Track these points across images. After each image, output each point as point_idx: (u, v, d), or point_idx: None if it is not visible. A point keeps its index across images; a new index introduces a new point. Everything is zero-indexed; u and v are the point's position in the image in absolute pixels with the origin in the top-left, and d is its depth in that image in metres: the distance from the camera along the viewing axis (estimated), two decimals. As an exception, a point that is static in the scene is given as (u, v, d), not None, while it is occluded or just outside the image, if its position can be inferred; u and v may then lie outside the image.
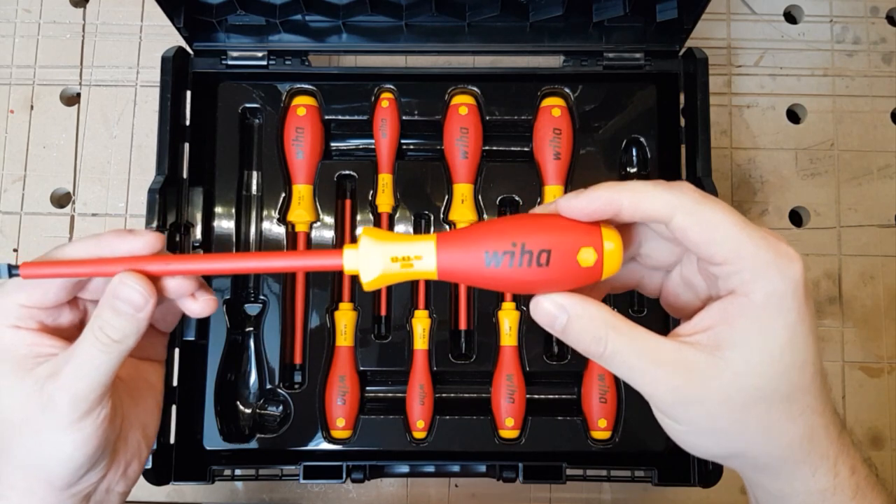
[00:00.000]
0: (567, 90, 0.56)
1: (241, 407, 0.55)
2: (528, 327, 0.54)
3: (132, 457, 0.37)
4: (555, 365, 0.54)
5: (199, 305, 0.35)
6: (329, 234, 0.55)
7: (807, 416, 0.29)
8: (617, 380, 0.53)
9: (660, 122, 0.56)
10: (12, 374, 0.32)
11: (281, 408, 0.54)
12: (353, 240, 0.56)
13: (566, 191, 0.55)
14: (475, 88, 0.56)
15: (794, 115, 0.62)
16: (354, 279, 0.55)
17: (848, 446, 0.31)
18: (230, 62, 0.55)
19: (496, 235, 0.30)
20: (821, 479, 0.30)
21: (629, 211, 0.29)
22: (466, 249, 0.30)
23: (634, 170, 0.56)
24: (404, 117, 0.55)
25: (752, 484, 0.33)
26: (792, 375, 0.28)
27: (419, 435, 0.53)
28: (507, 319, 0.54)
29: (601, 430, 0.53)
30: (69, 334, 0.34)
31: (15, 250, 0.59)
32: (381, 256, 0.31)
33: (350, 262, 0.31)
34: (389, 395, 0.55)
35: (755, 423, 0.29)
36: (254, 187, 0.57)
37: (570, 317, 0.29)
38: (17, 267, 0.31)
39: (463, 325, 0.55)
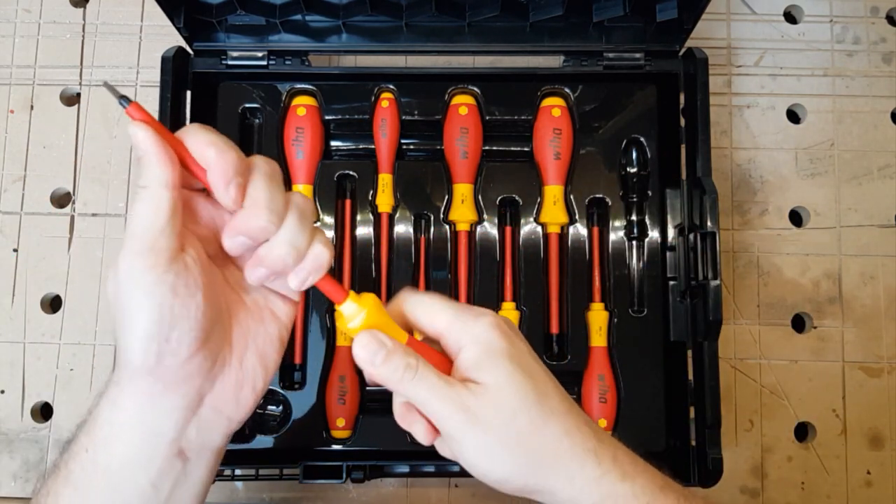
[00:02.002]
0: (567, 90, 0.56)
1: (241, 407, 0.55)
2: (529, 327, 0.54)
3: (245, 379, 0.36)
4: (555, 365, 0.54)
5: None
6: (329, 234, 0.55)
7: (557, 415, 0.35)
8: (617, 380, 0.54)
9: (660, 122, 0.56)
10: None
11: (281, 408, 0.54)
12: (354, 240, 0.56)
13: (566, 191, 0.55)
14: (475, 88, 0.56)
15: (794, 115, 0.62)
16: (354, 280, 0.55)
17: (605, 438, 0.36)
18: (230, 62, 0.55)
19: None
20: (589, 469, 0.35)
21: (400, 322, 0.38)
22: None
23: (634, 169, 0.56)
24: (404, 117, 0.55)
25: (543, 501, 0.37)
26: (530, 386, 0.35)
27: (419, 435, 0.53)
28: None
29: (601, 430, 0.53)
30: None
31: (15, 250, 0.59)
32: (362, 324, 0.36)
33: (347, 308, 0.37)
34: (389, 395, 0.55)
35: (524, 426, 0.35)
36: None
37: (388, 350, 0.35)
38: (129, 101, 0.32)
39: (463, 325, 0.55)
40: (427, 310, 0.37)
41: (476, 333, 0.36)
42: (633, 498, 0.35)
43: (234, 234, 0.34)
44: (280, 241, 0.34)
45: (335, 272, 0.55)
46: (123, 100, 0.32)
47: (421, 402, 0.36)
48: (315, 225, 0.36)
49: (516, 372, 0.35)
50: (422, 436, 0.38)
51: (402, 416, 0.39)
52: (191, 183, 0.34)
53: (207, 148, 0.33)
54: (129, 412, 0.34)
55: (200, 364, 0.34)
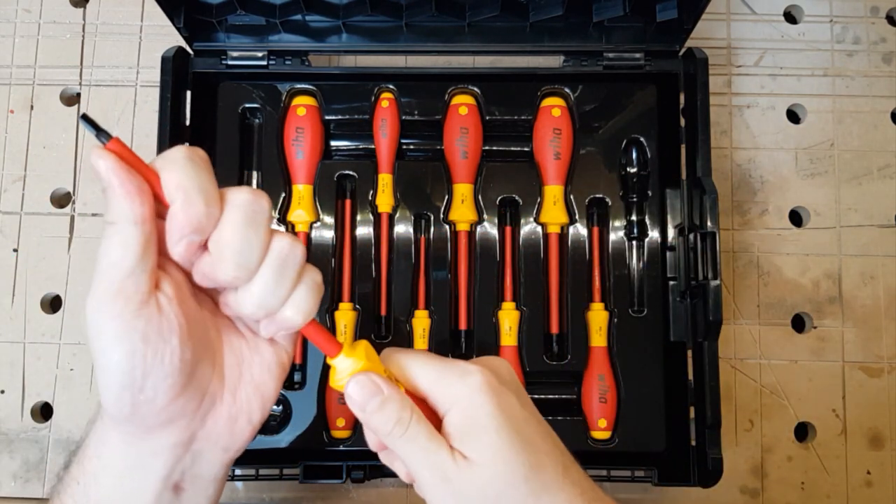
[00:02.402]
0: (567, 90, 0.56)
1: (241, 407, 0.55)
2: (529, 327, 0.54)
3: (239, 412, 0.34)
4: (555, 365, 0.54)
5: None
6: (329, 235, 0.55)
7: (549, 492, 0.33)
8: (617, 380, 0.54)
9: (660, 122, 0.56)
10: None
11: (281, 408, 0.54)
12: (354, 240, 0.56)
13: (566, 191, 0.55)
14: (475, 88, 0.56)
15: (794, 115, 0.62)
16: (354, 280, 0.55)
17: None
18: (230, 62, 0.55)
19: None
20: None
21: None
22: None
23: (634, 169, 0.56)
24: (404, 117, 0.55)
25: None
26: (521, 458, 0.32)
27: (419, 435, 0.53)
28: (507, 319, 0.54)
29: (601, 430, 0.53)
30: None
31: (15, 250, 0.59)
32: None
33: (340, 363, 0.35)
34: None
35: None
36: (254, 187, 0.57)
37: (385, 397, 0.33)
38: (109, 137, 0.29)
39: (463, 325, 0.55)
40: (410, 368, 0.35)
41: (460, 396, 0.33)
42: None
43: (199, 277, 0.32)
44: (248, 298, 0.31)
45: (336, 274, 0.55)
46: (102, 136, 0.29)
47: (405, 460, 0.34)
48: (302, 267, 0.33)
49: (504, 446, 0.32)
50: (403, 476, 0.37)
51: (383, 454, 0.37)
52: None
53: (176, 192, 0.30)
54: (115, 449, 0.33)
55: (184, 406, 0.32)
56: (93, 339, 0.30)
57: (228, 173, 0.55)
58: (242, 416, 0.34)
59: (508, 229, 0.56)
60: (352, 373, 0.34)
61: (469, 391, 0.33)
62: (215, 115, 0.56)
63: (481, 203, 0.55)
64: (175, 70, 0.53)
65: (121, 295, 0.29)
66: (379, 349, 0.54)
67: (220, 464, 0.35)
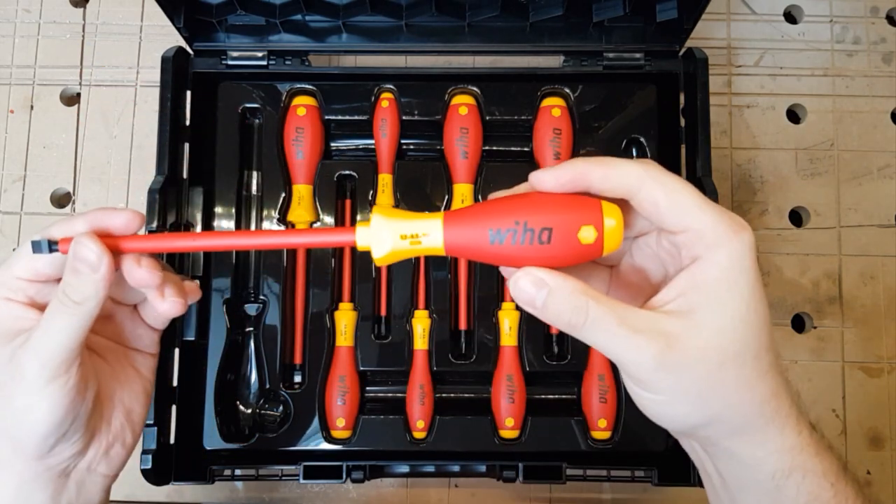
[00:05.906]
0: (567, 90, 0.56)
1: (241, 407, 0.55)
2: (529, 327, 0.54)
3: (115, 439, 0.38)
4: (555, 365, 0.54)
5: (166, 304, 0.36)
6: (329, 234, 0.55)
7: (772, 373, 0.30)
8: (617, 380, 0.53)
9: (660, 122, 0.56)
10: None
11: (281, 408, 0.54)
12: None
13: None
14: (475, 88, 0.56)
15: (794, 115, 0.62)
16: (354, 280, 0.55)
17: (802, 409, 0.32)
18: (230, 62, 0.55)
19: (500, 214, 0.31)
20: (788, 437, 0.31)
21: (599, 183, 0.31)
22: (471, 227, 0.32)
23: (634, 170, 0.56)
24: (404, 117, 0.55)
25: (721, 458, 0.32)
26: (757, 333, 0.30)
27: (419, 435, 0.53)
28: (508, 319, 0.54)
29: (601, 430, 0.53)
30: None
31: (15, 250, 0.59)
32: (391, 234, 0.32)
33: (362, 238, 0.33)
34: (389, 395, 0.55)
35: (731, 380, 0.30)
36: (254, 187, 0.57)
37: (550, 289, 0.30)
38: (56, 243, 0.34)
39: (463, 325, 0.55)
40: (673, 198, 0.30)
41: (731, 252, 0.29)
42: (822, 476, 0.31)
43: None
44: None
45: (336, 274, 0.55)
46: (53, 245, 0.33)
47: (600, 348, 0.30)
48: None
49: (747, 317, 0.29)
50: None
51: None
52: None
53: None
54: (8, 490, 0.35)
55: (76, 443, 0.35)
56: (24, 392, 0.33)
57: (228, 173, 0.55)
58: (117, 443, 0.38)
59: (508, 229, 0.56)
60: (389, 251, 0.32)
61: (741, 249, 0.29)
62: (215, 115, 0.56)
63: (481, 203, 0.55)
64: (175, 70, 0.53)
65: (67, 362, 0.33)
66: (378, 349, 0.54)
67: (100, 489, 0.38)
